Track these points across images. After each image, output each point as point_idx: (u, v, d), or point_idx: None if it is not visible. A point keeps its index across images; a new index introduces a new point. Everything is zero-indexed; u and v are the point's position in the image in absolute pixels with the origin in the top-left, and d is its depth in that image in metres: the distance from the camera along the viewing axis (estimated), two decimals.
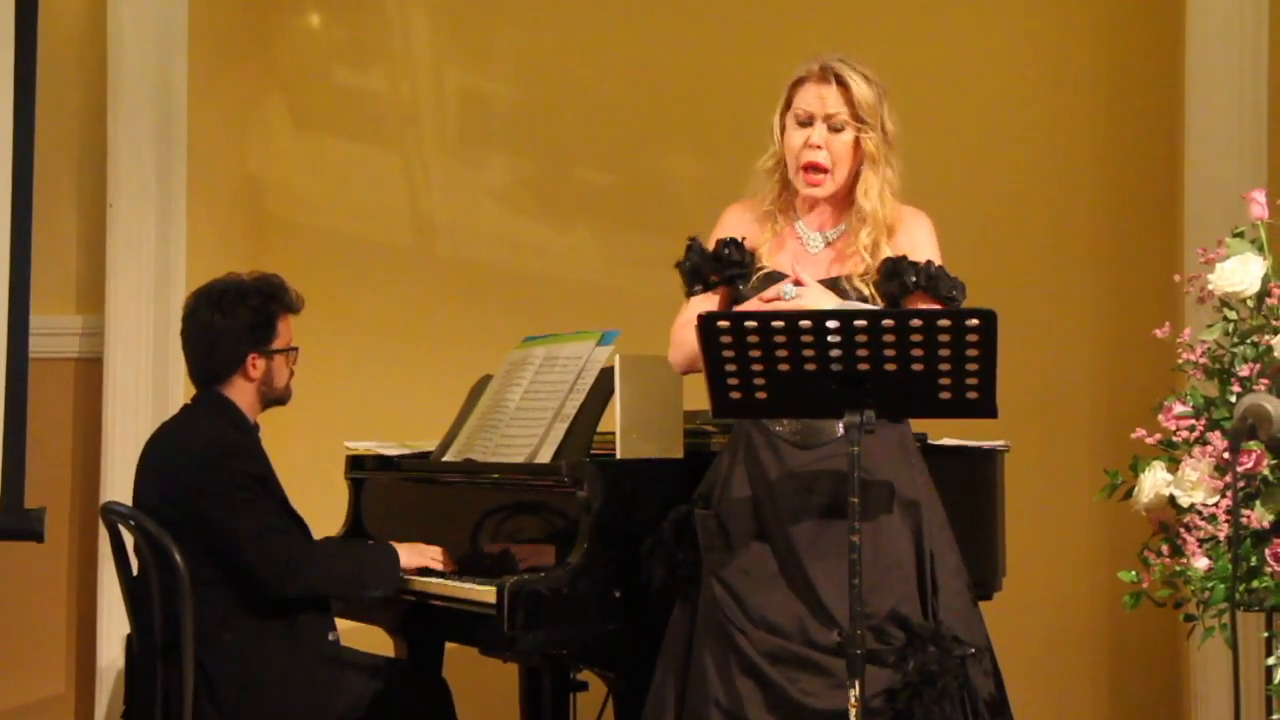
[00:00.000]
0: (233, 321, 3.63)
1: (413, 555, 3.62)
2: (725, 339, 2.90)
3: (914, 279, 3.14)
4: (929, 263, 3.16)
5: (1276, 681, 3.13)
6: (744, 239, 3.25)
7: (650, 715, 3.21)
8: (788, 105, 3.22)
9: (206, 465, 3.53)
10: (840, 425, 3.03)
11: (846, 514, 2.94)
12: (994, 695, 3.18)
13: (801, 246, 3.26)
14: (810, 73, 3.21)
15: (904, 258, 3.16)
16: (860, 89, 3.17)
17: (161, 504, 3.53)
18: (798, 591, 3.08)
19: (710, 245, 3.28)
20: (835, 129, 3.18)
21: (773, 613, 3.08)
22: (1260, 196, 3.33)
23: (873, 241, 3.18)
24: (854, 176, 3.21)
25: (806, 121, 3.19)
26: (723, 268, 3.24)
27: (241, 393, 3.67)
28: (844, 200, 3.25)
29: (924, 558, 3.14)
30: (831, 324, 2.85)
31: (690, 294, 3.28)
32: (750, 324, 2.88)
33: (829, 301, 3.08)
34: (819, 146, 3.18)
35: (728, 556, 3.15)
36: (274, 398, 3.72)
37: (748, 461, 3.19)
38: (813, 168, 3.19)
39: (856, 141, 3.19)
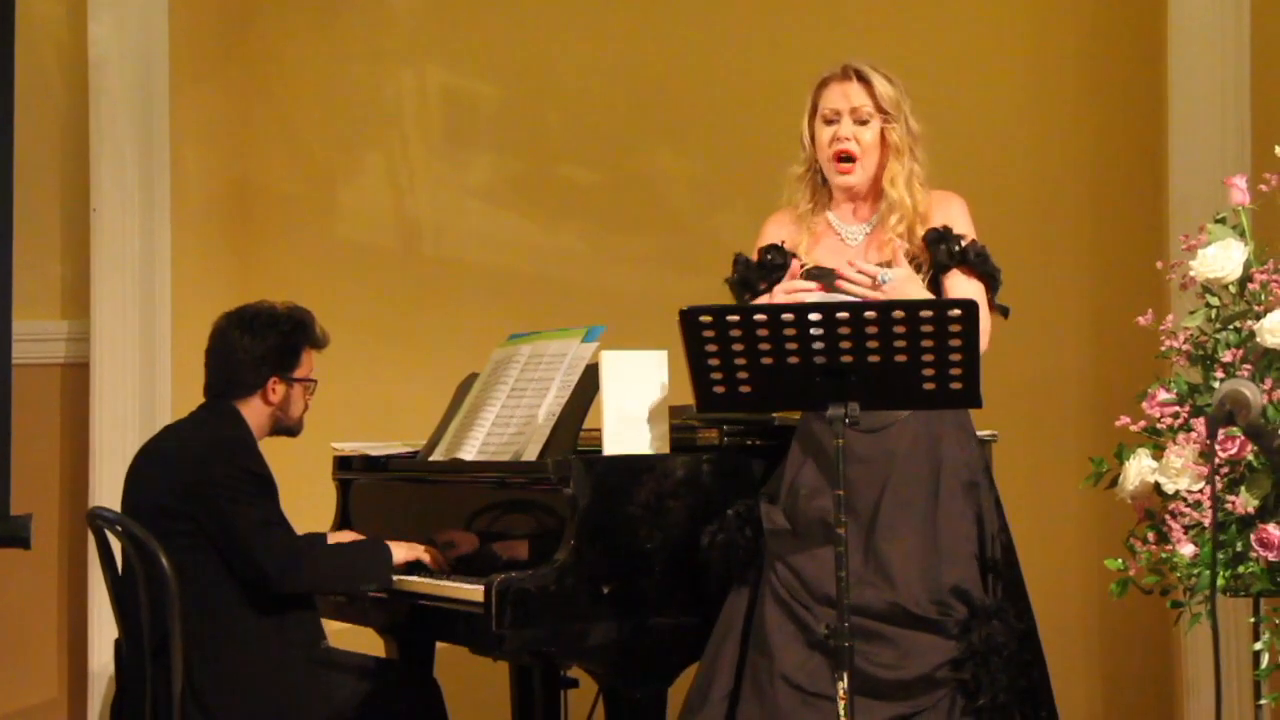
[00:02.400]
0: (260, 343, 3.67)
1: (404, 549, 3.64)
2: (708, 333, 2.90)
3: (958, 248, 3.28)
4: (974, 240, 3.30)
5: (1264, 666, 3.14)
6: (783, 242, 3.39)
7: (697, 693, 3.27)
8: (814, 110, 3.38)
9: (216, 459, 3.56)
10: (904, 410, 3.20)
11: (906, 486, 3.17)
12: (1042, 675, 3.32)
13: (839, 240, 3.39)
14: (833, 74, 3.37)
15: (949, 228, 3.30)
16: (882, 85, 3.34)
17: (165, 498, 3.55)
18: (866, 566, 3.15)
19: (754, 255, 3.42)
20: (861, 121, 3.33)
21: (834, 588, 3.09)
22: (1241, 182, 3.33)
23: (906, 228, 3.32)
24: (882, 169, 3.35)
25: (833, 119, 3.35)
26: (768, 273, 3.38)
27: (255, 412, 3.70)
28: (875, 194, 3.38)
29: (985, 539, 3.24)
30: (814, 316, 2.86)
31: (740, 302, 3.40)
32: (732, 318, 2.89)
33: (915, 287, 3.19)
34: (847, 138, 3.32)
35: (791, 542, 3.22)
36: (286, 425, 3.76)
37: (818, 453, 3.25)
38: (843, 156, 3.33)
39: (882, 134, 3.32)
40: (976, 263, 3.29)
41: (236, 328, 3.70)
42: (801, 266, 3.31)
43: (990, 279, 3.31)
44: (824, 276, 3.29)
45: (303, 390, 3.76)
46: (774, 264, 3.37)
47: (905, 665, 3.10)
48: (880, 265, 3.22)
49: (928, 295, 3.20)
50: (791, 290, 3.22)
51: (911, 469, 3.21)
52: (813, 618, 3.14)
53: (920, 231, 3.31)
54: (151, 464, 3.68)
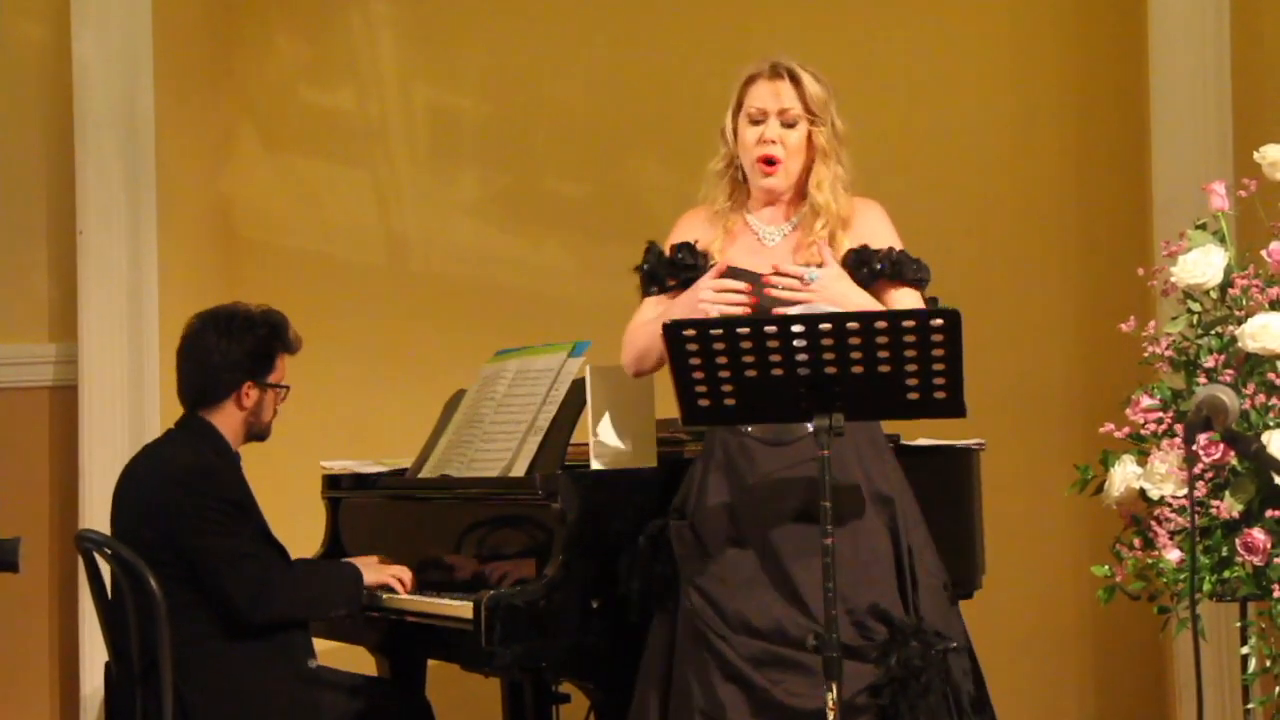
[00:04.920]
0: (236, 347, 3.63)
1: (375, 572, 3.63)
2: (691, 346, 2.90)
3: (879, 266, 3.20)
4: (891, 249, 3.22)
5: (1251, 670, 3.15)
6: (696, 242, 3.31)
7: None
8: (739, 105, 3.28)
9: (184, 488, 3.52)
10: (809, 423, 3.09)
11: (820, 507, 2.98)
12: (975, 692, 3.19)
13: (757, 240, 3.31)
14: (761, 71, 3.28)
15: (866, 246, 3.22)
16: (811, 85, 3.25)
17: (139, 526, 3.52)
18: (779, 592, 3.09)
19: (667, 250, 3.35)
20: (788, 124, 3.25)
21: (752, 616, 3.08)
22: (1220, 188, 3.34)
23: (829, 234, 3.24)
24: (806, 172, 3.27)
25: (759, 119, 3.25)
26: (678, 271, 3.30)
27: (228, 420, 3.66)
28: (797, 197, 3.30)
29: (902, 553, 3.16)
30: (796, 328, 2.86)
31: (646, 294, 3.33)
32: (715, 331, 2.89)
33: (845, 284, 3.14)
34: (773, 141, 3.24)
35: (704, 564, 3.16)
36: (256, 431, 3.72)
37: (723, 467, 3.20)
38: (767, 159, 3.24)
39: (809, 137, 3.25)
40: (893, 273, 3.20)
41: (213, 330, 3.64)
42: (708, 265, 3.24)
43: (917, 284, 3.22)
44: (741, 278, 3.21)
45: (274, 396, 3.70)
46: (684, 263, 3.28)
47: (820, 694, 2.93)
48: (805, 266, 3.16)
49: (859, 292, 3.14)
50: (720, 289, 3.15)
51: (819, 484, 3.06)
52: (728, 647, 3.07)
53: (842, 237, 3.23)
54: (130, 491, 3.64)
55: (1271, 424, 3.12)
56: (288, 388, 3.74)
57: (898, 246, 3.24)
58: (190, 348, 3.68)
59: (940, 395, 2.91)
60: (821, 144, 3.24)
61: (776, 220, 3.31)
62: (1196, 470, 3.09)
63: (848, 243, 3.23)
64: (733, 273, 3.22)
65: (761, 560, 3.12)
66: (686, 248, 3.30)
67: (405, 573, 3.64)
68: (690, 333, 2.90)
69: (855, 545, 3.07)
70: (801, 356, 2.86)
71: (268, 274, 4.93)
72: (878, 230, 3.26)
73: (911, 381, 2.88)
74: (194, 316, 3.72)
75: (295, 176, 5.09)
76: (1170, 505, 3.17)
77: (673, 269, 3.30)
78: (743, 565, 3.12)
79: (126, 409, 4.54)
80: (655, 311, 3.28)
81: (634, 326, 3.32)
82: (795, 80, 3.24)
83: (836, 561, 2.89)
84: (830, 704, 2.86)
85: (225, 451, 3.65)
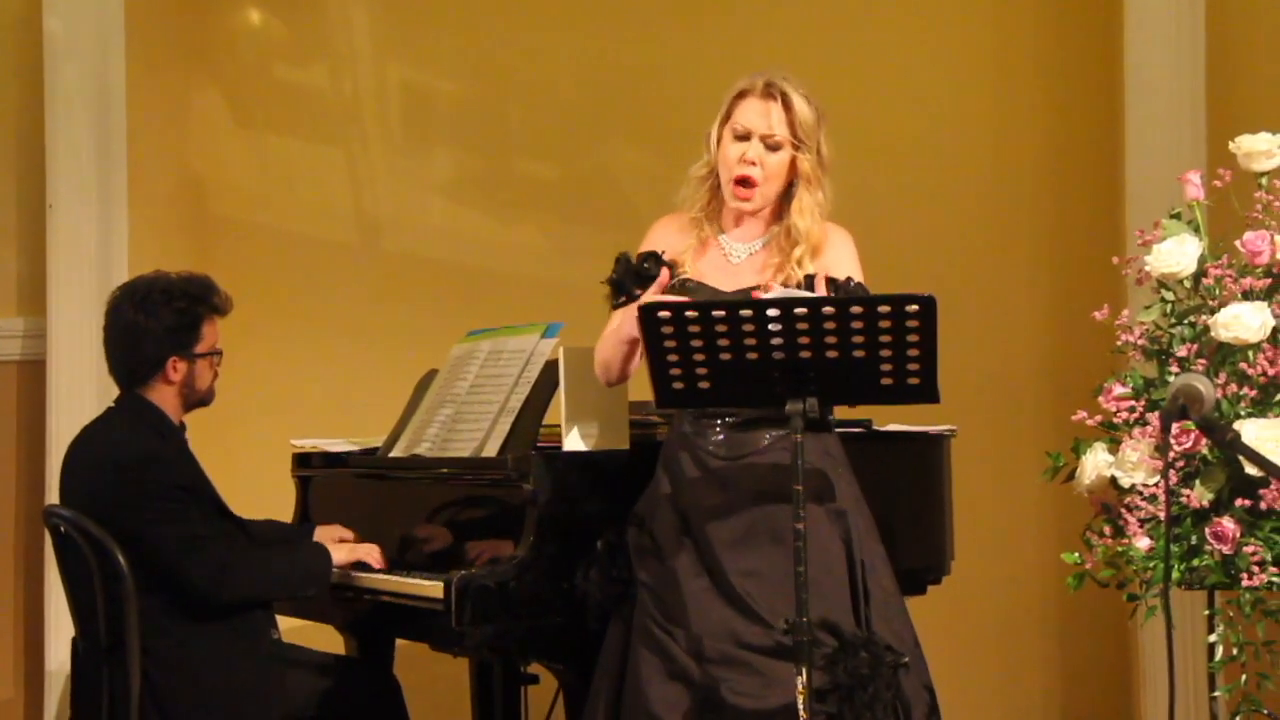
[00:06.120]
0: (155, 322, 3.52)
1: (345, 552, 3.60)
2: (666, 329, 2.90)
3: (832, 295, 3.16)
4: (848, 279, 3.19)
5: (1217, 659, 3.17)
6: (664, 252, 3.29)
7: None
8: (727, 117, 3.25)
9: (128, 480, 3.43)
10: (766, 436, 3.15)
11: (769, 513, 3.05)
12: (926, 707, 3.17)
13: (723, 256, 3.29)
14: (753, 88, 3.22)
15: (825, 275, 3.19)
16: (803, 110, 3.20)
17: (92, 512, 3.44)
18: (724, 594, 3.10)
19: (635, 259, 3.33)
20: (772, 148, 3.21)
21: (700, 615, 3.09)
22: (1195, 178, 3.36)
23: (799, 258, 3.21)
24: (782, 193, 3.25)
25: (744, 136, 3.21)
26: (643, 282, 3.26)
27: (163, 395, 3.56)
28: (770, 215, 3.28)
29: (855, 566, 3.15)
30: (772, 312, 2.86)
31: (615, 307, 3.31)
32: (691, 314, 2.89)
33: None
34: (753, 162, 3.20)
35: (658, 566, 3.18)
36: (196, 400, 3.61)
37: (679, 477, 3.22)
38: (744, 181, 3.21)
39: (791, 161, 3.21)
40: None
41: (129, 305, 3.53)
42: (673, 277, 3.22)
43: None
44: (699, 292, 3.20)
45: (208, 363, 3.59)
46: (648, 274, 3.25)
47: (767, 694, 2.98)
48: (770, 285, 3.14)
49: None
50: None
51: (773, 498, 3.08)
52: (675, 644, 3.08)
53: (808, 264, 3.21)
54: (73, 477, 3.57)
55: (1243, 413, 3.14)
56: (219, 353, 3.62)
57: (857, 278, 3.22)
58: (111, 324, 3.57)
59: (914, 381, 2.91)
60: (805, 170, 3.20)
61: (746, 237, 3.29)
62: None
63: (812, 268, 3.20)
64: (691, 285, 3.21)
65: (706, 563, 3.13)
66: (652, 257, 3.27)
67: (374, 549, 3.62)
68: (665, 315, 2.90)
69: (808, 556, 2.99)
70: (776, 340, 2.86)
71: (239, 251, 4.91)
72: (842, 259, 3.24)
73: (886, 367, 2.89)
74: (116, 289, 3.62)
75: (268, 154, 5.06)
76: (1141, 493, 3.19)
77: (638, 279, 3.27)
78: (693, 565, 3.13)
79: (95, 383, 4.50)
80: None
81: (604, 337, 3.31)
82: (786, 104, 3.18)
83: (785, 578, 2.90)
84: (800, 687, 2.86)
85: (168, 431, 3.55)
